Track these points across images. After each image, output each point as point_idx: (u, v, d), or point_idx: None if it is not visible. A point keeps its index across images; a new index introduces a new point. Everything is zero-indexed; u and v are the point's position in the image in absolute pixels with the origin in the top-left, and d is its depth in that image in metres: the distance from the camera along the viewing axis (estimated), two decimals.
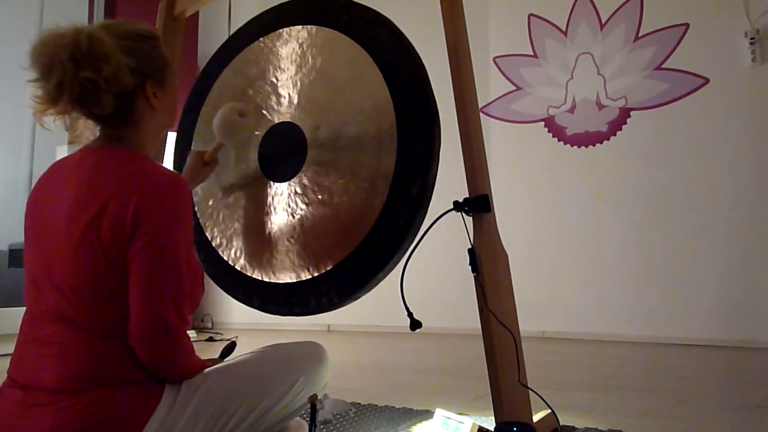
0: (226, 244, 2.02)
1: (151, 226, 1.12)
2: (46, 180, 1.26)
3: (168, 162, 2.38)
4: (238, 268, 1.97)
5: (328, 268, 1.78)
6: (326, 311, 1.80)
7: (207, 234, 2.06)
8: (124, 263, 1.13)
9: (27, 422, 1.10)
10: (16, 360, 1.17)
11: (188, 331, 1.24)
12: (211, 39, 4.78)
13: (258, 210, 1.97)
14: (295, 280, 1.84)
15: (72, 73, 1.11)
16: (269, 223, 1.93)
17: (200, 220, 2.08)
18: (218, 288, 2.03)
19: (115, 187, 1.14)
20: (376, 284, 1.73)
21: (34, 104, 1.15)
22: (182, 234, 1.18)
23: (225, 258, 2.01)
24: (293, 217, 1.88)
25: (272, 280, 1.89)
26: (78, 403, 1.08)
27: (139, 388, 1.13)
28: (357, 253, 1.73)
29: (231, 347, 1.68)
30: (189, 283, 1.18)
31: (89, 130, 1.27)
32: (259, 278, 1.92)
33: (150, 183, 1.16)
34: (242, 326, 4.65)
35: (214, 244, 2.04)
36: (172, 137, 2.28)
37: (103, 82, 1.13)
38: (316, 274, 1.80)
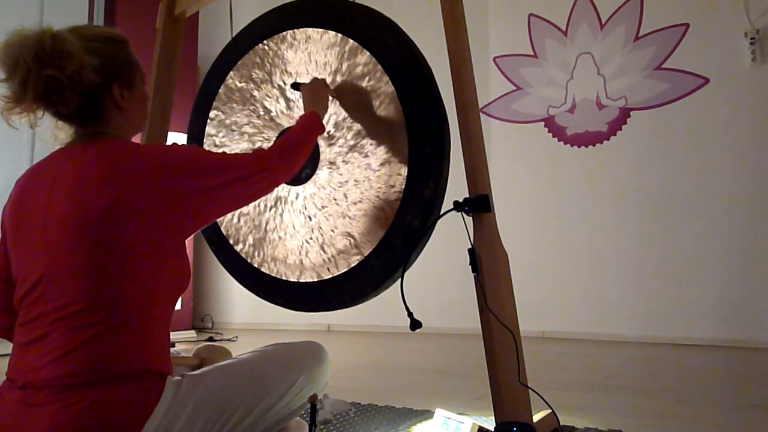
0: (246, 246, 2.05)
1: (189, 169, 1.21)
2: (26, 186, 1.25)
3: None
4: (260, 268, 2.02)
5: (347, 268, 1.82)
6: (347, 307, 1.88)
7: (229, 238, 2.10)
8: (150, 238, 1.16)
9: (26, 422, 1.10)
10: (13, 362, 1.17)
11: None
12: (211, 39, 4.79)
13: (274, 212, 1.99)
14: (316, 280, 1.89)
15: (36, 72, 1.14)
16: (287, 224, 1.96)
17: (219, 225, 2.12)
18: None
19: (128, 175, 1.16)
20: (393, 283, 1.77)
21: (3, 104, 1.18)
22: (203, 151, 1.30)
23: (247, 259, 2.05)
24: (310, 219, 1.91)
25: (292, 280, 1.94)
26: (77, 402, 1.08)
27: (138, 385, 1.13)
28: (375, 253, 1.77)
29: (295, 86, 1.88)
30: (226, 160, 1.30)
31: (61, 131, 1.29)
32: (281, 278, 1.97)
33: (160, 152, 1.22)
34: (242, 326, 4.65)
35: (236, 247, 2.07)
36: (176, 139, 2.27)
37: (66, 79, 1.16)
38: (336, 274, 1.85)
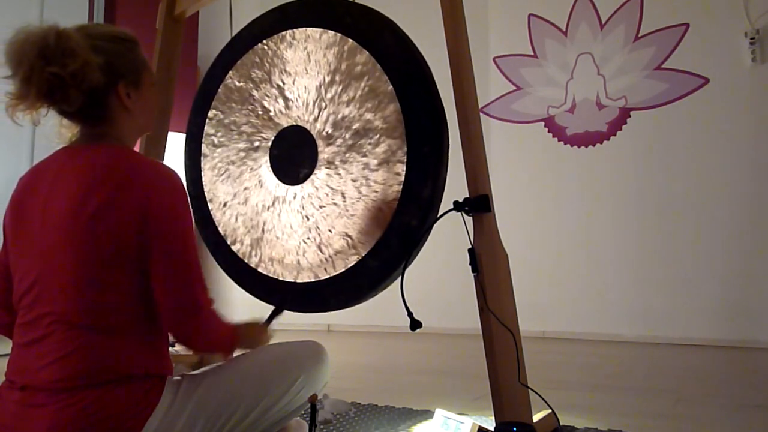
0: (243, 246, 2.04)
1: (163, 221, 1.16)
2: (28, 184, 1.25)
3: (169, 162, 2.38)
4: (257, 269, 2.02)
5: (344, 268, 1.82)
6: (344, 308, 1.87)
7: (226, 238, 2.10)
8: (128, 256, 1.14)
9: (26, 422, 1.10)
10: (13, 363, 1.17)
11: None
12: (211, 39, 4.78)
13: (272, 212, 1.98)
14: (313, 280, 1.88)
15: (39, 69, 1.13)
16: (284, 224, 1.95)
17: (216, 225, 2.12)
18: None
19: (115, 184, 1.15)
20: (391, 283, 1.77)
21: (8, 100, 1.17)
22: (189, 221, 1.24)
23: (244, 260, 2.05)
24: (308, 219, 1.91)
25: (289, 280, 1.94)
26: (77, 403, 1.08)
27: (138, 386, 1.13)
28: (372, 253, 1.77)
29: (278, 312, 1.70)
30: (194, 259, 1.21)
31: (66, 129, 1.28)
32: (278, 278, 1.96)
33: (152, 178, 1.19)
34: None
35: (233, 248, 2.07)
36: (176, 140, 2.27)
37: (69, 77, 1.15)
38: (333, 274, 1.84)
